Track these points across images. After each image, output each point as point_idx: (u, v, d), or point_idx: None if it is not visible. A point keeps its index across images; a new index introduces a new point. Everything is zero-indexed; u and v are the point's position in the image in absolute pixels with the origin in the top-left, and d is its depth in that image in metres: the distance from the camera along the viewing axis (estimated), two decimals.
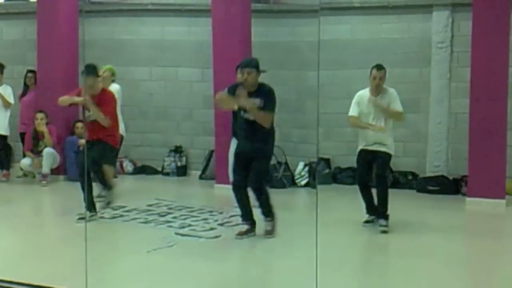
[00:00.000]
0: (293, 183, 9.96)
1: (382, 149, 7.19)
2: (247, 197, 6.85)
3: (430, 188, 9.50)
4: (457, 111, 9.64)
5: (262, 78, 9.72)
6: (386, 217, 7.09)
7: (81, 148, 9.98)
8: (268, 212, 6.82)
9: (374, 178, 7.27)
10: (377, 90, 7.14)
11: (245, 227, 6.85)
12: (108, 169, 8.93)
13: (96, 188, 7.69)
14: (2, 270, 5.39)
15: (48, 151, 9.75)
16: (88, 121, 7.55)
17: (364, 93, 7.26)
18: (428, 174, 9.80)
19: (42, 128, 9.84)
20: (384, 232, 7.03)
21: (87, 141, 7.62)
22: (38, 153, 9.89)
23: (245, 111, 6.66)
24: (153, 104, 11.13)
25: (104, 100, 7.49)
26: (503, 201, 8.48)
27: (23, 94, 10.62)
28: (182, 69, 10.96)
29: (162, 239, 6.59)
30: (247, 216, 6.86)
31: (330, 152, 10.23)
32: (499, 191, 8.51)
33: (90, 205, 7.48)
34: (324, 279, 4.65)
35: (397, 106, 7.13)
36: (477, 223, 7.90)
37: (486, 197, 8.48)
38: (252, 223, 6.85)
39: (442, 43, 9.63)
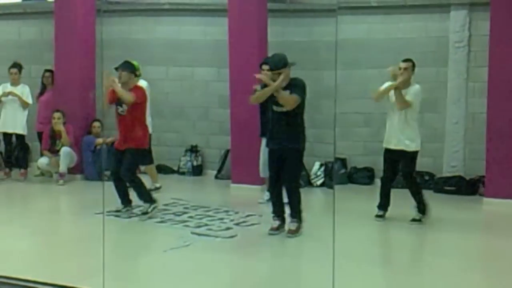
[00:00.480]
0: (309, 183, 9.94)
1: (404, 147, 7.37)
2: (281, 194, 6.91)
3: (447, 188, 9.45)
4: (474, 111, 9.58)
5: None
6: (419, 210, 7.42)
7: (98, 147, 10.05)
8: (295, 213, 6.83)
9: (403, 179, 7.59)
10: (403, 81, 7.33)
11: (276, 223, 6.88)
12: (149, 169, 9.12)
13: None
14: (21, 269, 5.44)
15: (65, 150, 9.80)
16: (120, 116, 7.64)
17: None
18: (445, 174, 9.75)
19: (59, 127, 9.90)
20: (415, 220, 7.33)
21: (118, 149, 7.68)
22: (55, 152, 9.95)
23: (276, 104, 6.72)
24: (169, 104, 11.16)
25: (134, 92, 7.61)
26: None
27: (41, 93, 10.68)
28: (198, 69, 10.98)
29: (179, 239, 6.61)
30: (278, 212, 6.93)
31: (346, 152, 10.20)
32: None
33: (125, 200, 7.70)
34: (342, 276, 4.64)
35: (409, 96, 7.31)
36: (495, 223, 7.85)
37: (503, 198, 8.42)
38: (282, 219, 6.90)
39: (459, 42, 9.57)
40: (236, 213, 7.90)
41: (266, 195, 8.18)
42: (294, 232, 6.77)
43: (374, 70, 9.86)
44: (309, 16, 10.27)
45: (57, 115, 9.95)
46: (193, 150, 10.98)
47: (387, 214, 7.59)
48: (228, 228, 7.15)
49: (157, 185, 9.28)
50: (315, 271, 5.59)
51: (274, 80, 6.70)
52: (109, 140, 9.79)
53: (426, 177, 9.69)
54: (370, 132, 10.00)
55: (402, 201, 7.54)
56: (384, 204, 7.58)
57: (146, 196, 7.66)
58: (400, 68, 7.40)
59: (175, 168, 11.04)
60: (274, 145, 6.84)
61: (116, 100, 7.60)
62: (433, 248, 6.60)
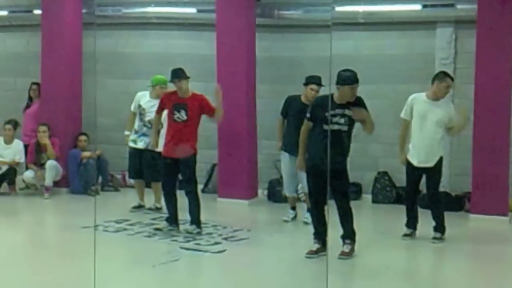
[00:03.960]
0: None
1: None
2: (323, 215, 6.59)
3: None
4: None
5: (266, 92, 9.86)
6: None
7: (84, 161, 9.98)
8: (349, 234, 6.60)
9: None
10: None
11: (316, 246, 6.63)
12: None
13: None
14: (9, 284, 5.38)
15: (50, 164, 9.73)
16: (173, 123, 7.62)
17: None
18: None
19: (45, 140, 9.83)
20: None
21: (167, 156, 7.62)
22: (41, 165, 9.88)
23: (327, 122, 6.53)
24: None
25: (201, 101, 7.68)
26: (506, 218, 8.50)
27: (27, 106, 10.63)
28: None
29: (167, 253, 6.59)
30: (318, 235, 6.65)
31: None
32: (502, 208, 8.54)
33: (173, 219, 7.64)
34: None
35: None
36: (481, 240, 7.89)
37: (489, 214, 8.50)
38: (323, 242, 6.57)
39: (445, 59, 9.65)
40: (224, 227, 7.88)
41: (291, 213, 8.28)
42: (348, 255, 6.52)
43: (360, 86, 9.87)
44: (297, 31, 10.31)
45: (42, 128, 9.90)
46: None
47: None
48: (216, 243, 7.14)
49: (158, 205, 8.86)
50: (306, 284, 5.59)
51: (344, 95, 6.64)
52: (96, 153, 9.79)
53: None
54: (356, 148, 10.01)
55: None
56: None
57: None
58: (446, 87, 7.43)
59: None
60: (319, 164, 6.47)
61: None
62: (421, 266, 6.63)
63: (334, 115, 6.58)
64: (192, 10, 10.53)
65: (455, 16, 9.55)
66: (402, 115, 7.61)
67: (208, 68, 10.11)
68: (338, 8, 9.69)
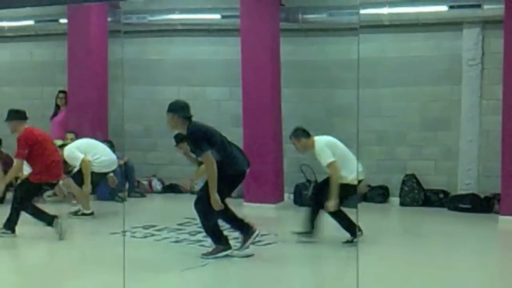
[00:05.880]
0: None
1: None
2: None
3: (462, 206, 9.38)
4: (488, 129, 9.55)
5: (291, 96, 9.86)
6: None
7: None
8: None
9: None
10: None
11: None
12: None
13: None
14: None
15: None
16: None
17: None
18: (459, 192, 9.69)
19: None
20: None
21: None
22: (68, 173, 9.94)
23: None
24: None
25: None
26: None
27: (54, 114, 10.74)
28: (210, 88, 11.00)
29: (195, 258, 6.58)
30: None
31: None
32: None
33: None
34: None
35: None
36: (511, 242, 7.79)
37: None
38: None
39: (472, 60, 9.56)
40: None
41: None
42: (206, 254, 6.62)
43: (386, 89, 9.90)
44: (322, 35, 10.29)
45: (70, 135, 9.96)
46: None
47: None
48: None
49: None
50: None
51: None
52: (123, 161, 9.84)
53: (441, 195, 9.64)
54: (383, 151, 9.99)
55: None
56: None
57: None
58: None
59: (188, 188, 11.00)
60: None
61: None
62: (451, 267, 6.55)
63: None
64: (216, 16, 10.59)
65: (482, 16, 9.45)
66: None
67: (233, 73, 10.13)
68: (363, 11, 9.64)
